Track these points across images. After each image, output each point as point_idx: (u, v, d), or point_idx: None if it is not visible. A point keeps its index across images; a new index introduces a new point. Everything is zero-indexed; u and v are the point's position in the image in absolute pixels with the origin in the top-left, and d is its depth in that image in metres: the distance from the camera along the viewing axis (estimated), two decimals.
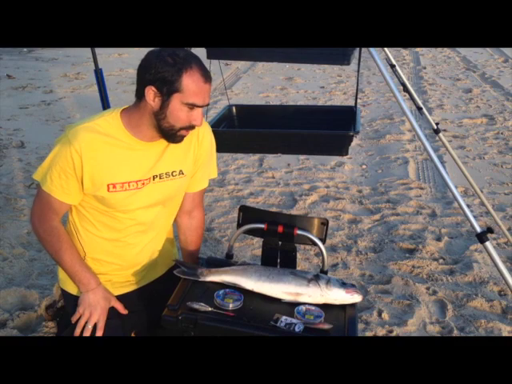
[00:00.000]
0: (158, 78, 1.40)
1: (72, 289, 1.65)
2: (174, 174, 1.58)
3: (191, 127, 1.48)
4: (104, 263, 1.62)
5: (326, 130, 2.27)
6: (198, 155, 1.64)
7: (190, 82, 1.40)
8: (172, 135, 1.49)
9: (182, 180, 1.62)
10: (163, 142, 1.55)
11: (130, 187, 1.52)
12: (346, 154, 2.27)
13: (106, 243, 1.60)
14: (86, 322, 1.53)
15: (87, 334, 1.51)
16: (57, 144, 1.48)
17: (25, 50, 8.54)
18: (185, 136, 1.51)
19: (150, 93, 1.43)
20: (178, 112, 1.44)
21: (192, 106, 1.43)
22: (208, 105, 1.50)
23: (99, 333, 1.52)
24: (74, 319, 1.54)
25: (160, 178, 1.56)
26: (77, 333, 1.52)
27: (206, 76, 1.43)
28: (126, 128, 1.50)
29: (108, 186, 1.49)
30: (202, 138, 1.64)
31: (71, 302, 1.68)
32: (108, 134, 1.48)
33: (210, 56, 2.03)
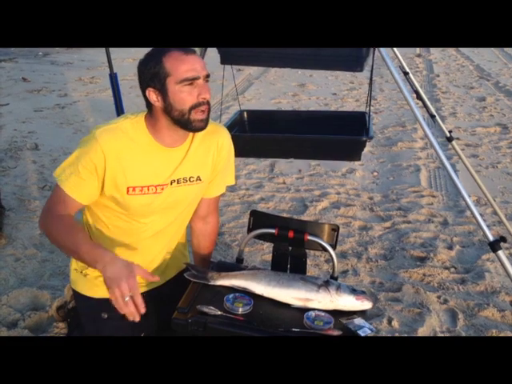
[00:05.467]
0: (148, 77, 1.44)
1: (83, 289, 1.67)
2: (192, 179, 1.59)
3: (201, 104, 1.43)
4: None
5: (337, 135, 2.26)
6: (217, 162, 1.64)
7: (171, 60, 1.41)
8: (187, 121, 1.45)
9: (199, 186, 1.62)
10: (184, 148, 1.56)
11: (148, 191, 1.52)
12: (359, 159, 2.26)
13: (119, 247, 1.61)
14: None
15: (129, 307, 1.31)
16: (81, 144, 1.49)
17: (40, 53, 8.66)
18: (202, 119, 1.45)
19: (151, 95, 1.46)
20: (179, 94, 1.42)
21: (187, 82, 1.41)
22: (208, 76, 1.45)
23: (137, 299, 1.31)
24: (114, 305, 1.32)
25: (177, 183, 1.56)
26: (126, 313, 1.32)
27: (185, 50, 1.42)
28: (149, 132, 1.51)
29: (128, 188, 1.50)
30: (222, 145, 1.64)
31: (82, 303, 1.69)
32: (132, 137, 1.49)
33: (223, 61, 2.05)
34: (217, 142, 1.63)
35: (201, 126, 1.47)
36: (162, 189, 1.54)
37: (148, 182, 1.52)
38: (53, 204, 1.52)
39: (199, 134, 1.59)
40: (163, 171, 1.54)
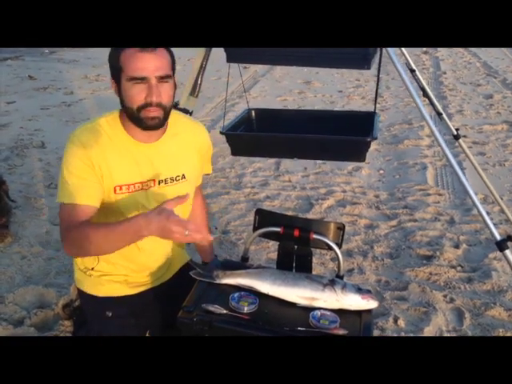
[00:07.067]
0: (110, 67, 1.45)
1: (88, 288, 1.67)
2: (178, 178, 1.60)
3: (148, 105, 1.40)
4: (118, 266, 1.64)
5: (344, 135, 2.25)
6: (198, 159, 1.67)
7: (126, 56, 1.39)
8: (137, 119, 1.43)
9: (185, 184, 1.62)
10: (161, 144, 1.55)
11: (135, 188, 1.52)
12: (364, 160, 2.25)
13: (121, 251, 1.59)
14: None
15: (195, 235, 1.29)
16: (65, 153, 1.47)
17: (46, 51, 8.68)
18: (153, 117, 1.42)
19: (112, 85, 1.47)
20: (128, 91, 1.40)
21: (136, 80, 1.38)
22: (164, 77, 1.40)
23: (191, 227, 1.28)
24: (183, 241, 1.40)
25: (165, 183, 1.57)
26: (197, 239, 1.32)
27: (144, 48, 1.38)
28: (124, 128, 1.51)
29: (115, 188, 1.49)
30: (201, 143, 1.67)
31: (87, 302, 1.70)
32: (109, 134, 1.49)
33: (229, 59, 2.04)
34: (197, 140, 1.64)
35: (152, 124, 1.44)
36: (148, 186, 1.54)
37: (133, 179, 1.51)
38: (67, 223, 1.44)
39: (176, 131, 1.59)
40: (144, 167, 1.53)
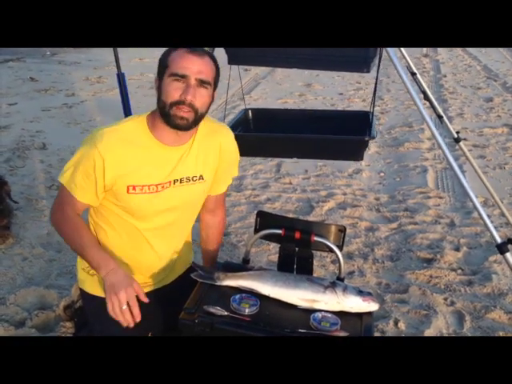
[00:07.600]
0: (158, 66, 1.49)
1: (90, 289, 1.67)
2: (195, 178, 1.59)
3: (181, 102, 1.43)
4: (122, 265, 1.64)
5: (341, 134, 2.26)
6: (220, 163, 1.65)
7: (175, 55, 1.44)
8: (167, 115, 1.45)
9: (202, 185, 1.63)
10: (185, 147, 1.56)
11: (149, 190, 1.52)
12: (362, 159, 2.26)
13: (124, 246, 1.61)
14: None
15: (125, 315, 1.39)
16: (83, 145, 1.51)
17: (48, 52, 8.69)
18: (182, 116, 1.44)
19: (155, 82, 1.51)
20: (167, 86, 1.44)
21: (177, 77, 1.42)
22: (203, 82, 1.44)
23: (135, 310, 1.40)
24: (109, 311, 1.41)
25: (180, 182, 1.56)
26: (120, 320, 1.40)
27: (194, 49, 1.43)
28: (150, 131, 1.52)
29: (128, 187, 1.50)
30: (225, 147, 1.65)
31: (89, 302, 1.70)
32: (133, 137, 1.50)
33: (230, 61, 2.05)
34: (220, 143, 1.63)
35: (181, 124, 1.46)
36: (163, 187, 1.54)
37: (148, 181, 1.52)
38: (60, 203, 1.57)
39: (201, 133, 1.59)
40: (164, 170, 1.54)
